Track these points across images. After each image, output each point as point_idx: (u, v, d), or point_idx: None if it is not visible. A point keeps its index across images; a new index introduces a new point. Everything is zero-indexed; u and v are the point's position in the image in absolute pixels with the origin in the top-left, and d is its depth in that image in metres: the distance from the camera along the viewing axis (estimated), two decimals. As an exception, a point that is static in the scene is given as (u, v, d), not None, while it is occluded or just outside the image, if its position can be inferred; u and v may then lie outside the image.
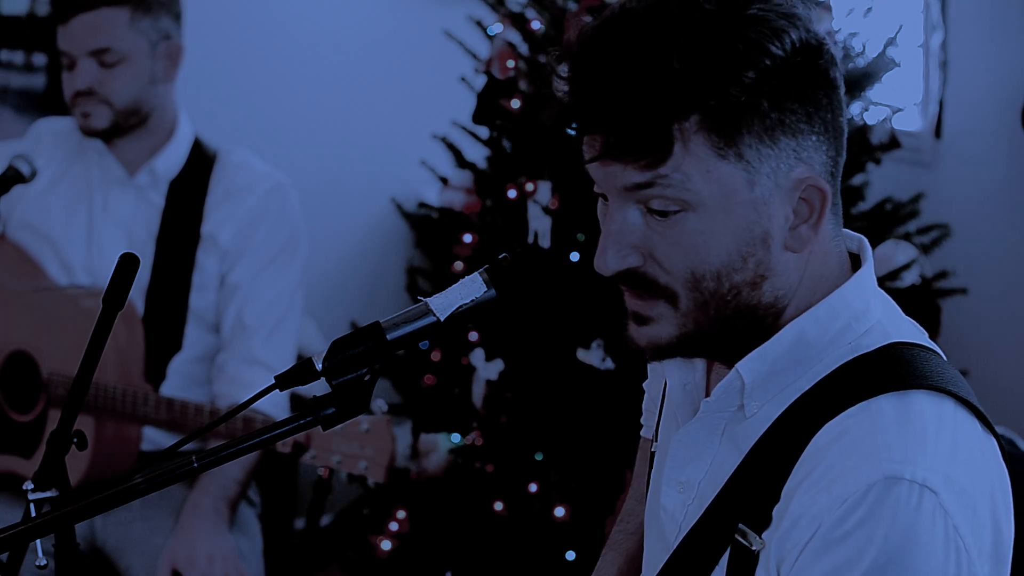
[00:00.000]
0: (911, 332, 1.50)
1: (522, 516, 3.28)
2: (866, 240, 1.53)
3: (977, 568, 1.37)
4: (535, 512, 3.26)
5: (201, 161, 2.98)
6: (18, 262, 2.98)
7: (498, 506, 3.32)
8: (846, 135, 1.48)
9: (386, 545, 3.45)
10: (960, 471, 1.37)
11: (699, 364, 1.56)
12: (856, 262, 1.52)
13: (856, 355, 1.44)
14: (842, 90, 1.46)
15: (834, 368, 1.44)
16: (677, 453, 1.54)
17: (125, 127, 2.91)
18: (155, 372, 2.88)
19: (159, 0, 2.87)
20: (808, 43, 1.41)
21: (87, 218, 2.97)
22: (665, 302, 1.43)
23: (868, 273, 1.50)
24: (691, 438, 1.53)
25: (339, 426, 2.39)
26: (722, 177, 1.38)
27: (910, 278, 3.19)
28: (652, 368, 1.77)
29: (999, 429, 3.35)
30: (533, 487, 3.26)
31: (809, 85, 1.41)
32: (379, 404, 2.53)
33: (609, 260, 1.43)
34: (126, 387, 2.71)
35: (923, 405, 1.40)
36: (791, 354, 1.45)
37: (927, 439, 1.37)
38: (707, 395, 1.55)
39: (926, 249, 3.30)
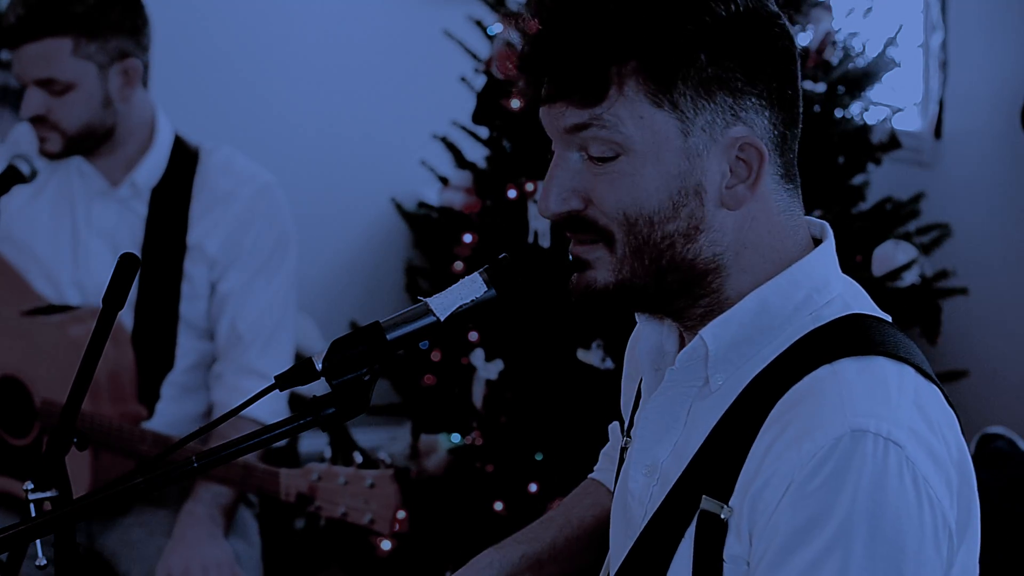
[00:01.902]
0: (872, 308, 1.53)
1: (522, 516, 3.28)
2: (828, 225, 1.56)
3: (948, 515, 1.40)
4: (535, 512, 3.25)
5: (183, 164, 2.93)
6: (3, 278, 2.93)
7: (498, 506, 3.32)
8: (800, 111, 1.51)
9: (386, 545, 3.45)
10: (923, 426, 1.40)
11: (670, 349, 1.58)
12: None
13: (817, 325, 1.47)
14: (795, 66, 1.49)
15: (796, 339, 1.47)
16: (644, 434, 1.56)
17: (83, 149, 2.86)
18: (148, 392, 2.85)
19: (108, 22, 2.79)
20: (757, 12, 1.46)
21: (71, 231, 2.92)
22: (604, 246, 1.48)
23: (829, 249, 1.53)
24: (657, 414, 1.54)
25: (343, 480, 2.43)
26: (654, 124, 1.43)
27: (910, 278, 3.19)
28: (628, 374, 1.77)
29: (999, 429, 3.36)
30: (533, 487, 3.26)
31: (752, 49, 1.44)
32: (382, 456, 2.56)
33: (551, 203, 1.48)
34: (121, 423, 2.69)
35: (885, 368, 1.44)
36: (754, 322, 1.48)
37: (890, 395, 1.41)
38: None
39: (926, 249, 3.30)
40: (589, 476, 1.94)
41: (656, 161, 1.44)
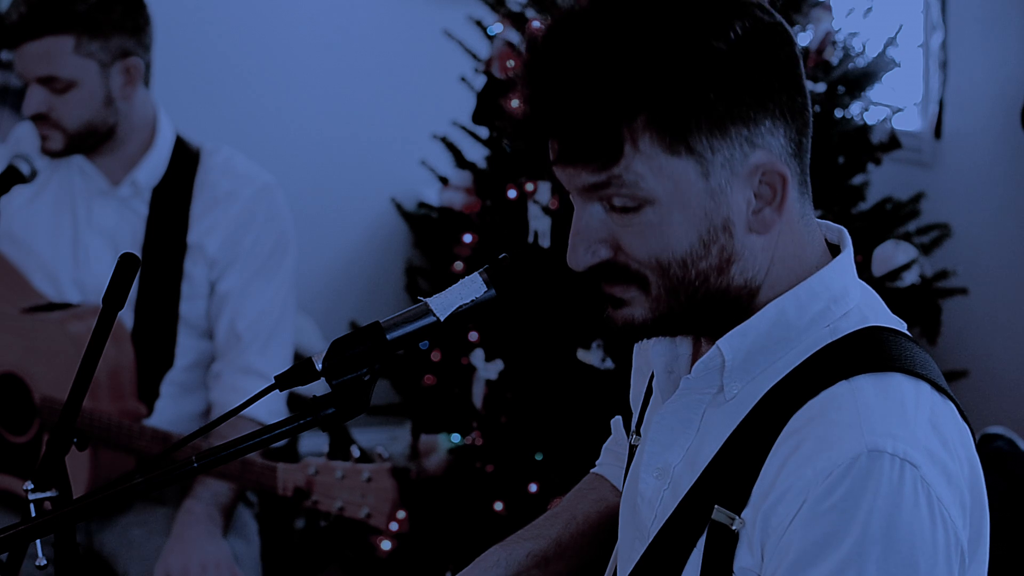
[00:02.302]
0: (889, 319, 1.52)
1: (522, 516, 3.28)
2: (846, 231, 1.55)
3: (961, 536, 1.40)
4: (535, 512, 3.25)
5: (184, 164, 2.94)
6: (3, 276, 2.94)
7: (498, 506, 3.32)
8: (810, 112, 1.49)
9: (386, 545, 3.45)
10: (939, 447, 1.40)
11: (684, 352, 1.58)
12: (836, 252, 1.54)
13: (835, 338, 1.46)
14: (799, 69, 1.47)
15: (814, 351, 1.46)
16: (657, 437, 1.55)
17: (85, 147, 2.87)
18: (147, 390, 2.86)
19: (110, 20, 2.80)
20: (756, 29, 1.42)
21: (71, 229, 2.93)
22: (637, 287, 1.47)
23: (848, 259, 1.52)
24: (670, 420, 1.54)
25: (340, 474, 2.42)
26: (674, 172, 1.41)
27: (910, 278, 3.19)
28: (637, 367, 1.78)
29: (999, 429, 3.35)
30: (533, 487, 3.26)
31: (758, 72, 1.42)
32: (379, 450, 2.55)
33: (580, 257, 1.47)
34: (121, 420, 2.69)
35: (902, 385, 1.43)
36: (771, 333, 1.47)
37: (907, 415, 1.40)
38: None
39: (926, 249, 3.30)
40: (592, 471, 1.93)
41: (682, 207, 1.42)
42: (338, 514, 2.46)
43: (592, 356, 3.15)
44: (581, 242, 1.46)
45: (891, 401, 1.41)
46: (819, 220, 1.54)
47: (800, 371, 1.45)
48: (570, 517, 1.83)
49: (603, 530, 1.81)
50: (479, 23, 3.51)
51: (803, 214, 1.49)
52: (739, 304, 1.47)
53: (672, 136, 1.39)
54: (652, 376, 1.64)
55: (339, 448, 3.48)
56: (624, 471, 1.70)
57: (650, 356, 1.60)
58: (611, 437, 1.95)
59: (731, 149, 1.41)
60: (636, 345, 1.78)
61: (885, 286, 3.18)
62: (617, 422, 1.92)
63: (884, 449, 1.36)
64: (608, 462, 1.92)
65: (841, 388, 1.42)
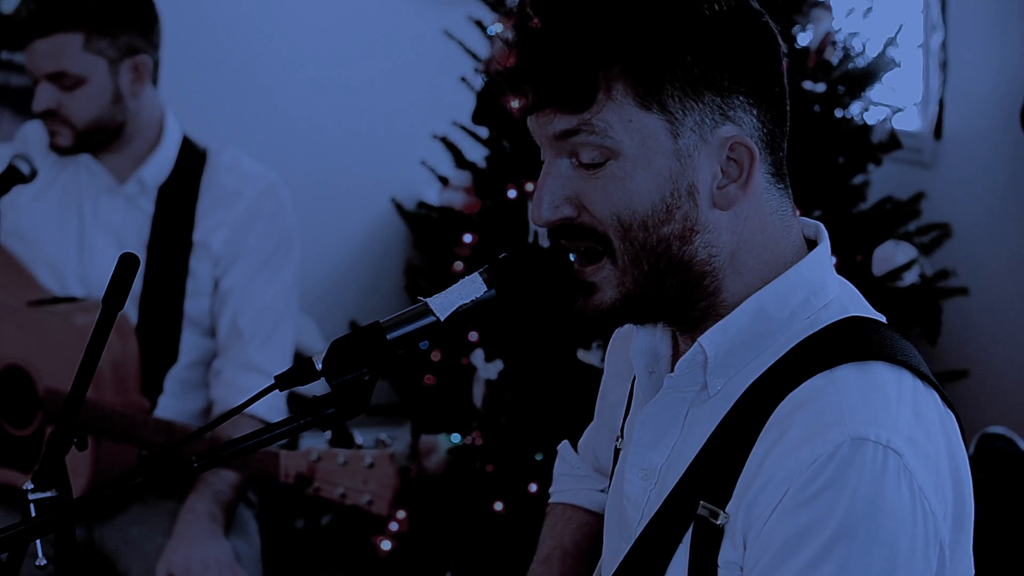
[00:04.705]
0: (868, 311, 1.53)
1: (522, 516, 3.28)
2: (822, 226, 1.56)
3: (941, 529, 1.40)
4: (535, 512, 3.26)
5: (190, 164, 2.95)
6: (9, 271, 2.95)
7: (498, 506, 3.32)
8: (787, 109, 1.51)
9: (386, 545, 3.45)
10: (922, 436, 1.41)
11: (664, 353, 1.58)
12: (813, 247, 1.55)
13: (816, 329, 1.47)
14: (780, 63, 1.49)
15: (795, 344, 1.47)
16: (641, 438, 1.56)
17: (94, 144, 2.88)
18: (151, 385, 2.86)
19: (118, 18, 2.82)
20: (741, 10, 1.46)
21: (78, 227, 2.94)
22: (608, 260, 1.47)
23: (824, 252, 1.53)
24: (654, 420, 1.54)
25: (342, 460, 2.42)
26: (643, 127, 1.43)
27: (910, 278, 3.19)
28: (616, 372, 1.77)
29: (999, 429, 3.35)
30: (533, 487, 3.26)
31: (738, 47, 1.44)
32: (381, 437, 2.55)
33: (544, 211, 1.49)
34: (124, 410, 2.70)
35: (883, 374, 1.44)
36: (752, 328, 1.48)
37: (889, 404, 1.41)
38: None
39: (926, 249, 3.30)
40: (552, 502, 1.92)
41: (647, 164, 1.44)
42: (339, 501, 2.45)
43: (592, 356, 3.15)
44: (546, 195, 1.49)
45: (873, 390, 1.41)
46: (798, 218, 1.55)
47: (782, 364, 1.46)
48: (563, 553, 1.84)
49: (594, 550, 1.82)
50: (479, 23, 3.51)
51: (777, 208, 1.50)
52: (702, 285, 1.48)
53: (645, 89, 1.42)
54: (634, 379, 1.64)
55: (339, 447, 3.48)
56: (594, 487, 1.69)
57: (631, 358, 1.60)
58: (559, 462, 1.93)
59: (702, 114, 1.43)
60: (610, 351, 1.79)
61: (885, 286, 3.18)
62: (565, 446, 1.93)
63: (867, 437, 1.37)
64: (569, 487, 1.91)
65: (823, 379, 1.42)
